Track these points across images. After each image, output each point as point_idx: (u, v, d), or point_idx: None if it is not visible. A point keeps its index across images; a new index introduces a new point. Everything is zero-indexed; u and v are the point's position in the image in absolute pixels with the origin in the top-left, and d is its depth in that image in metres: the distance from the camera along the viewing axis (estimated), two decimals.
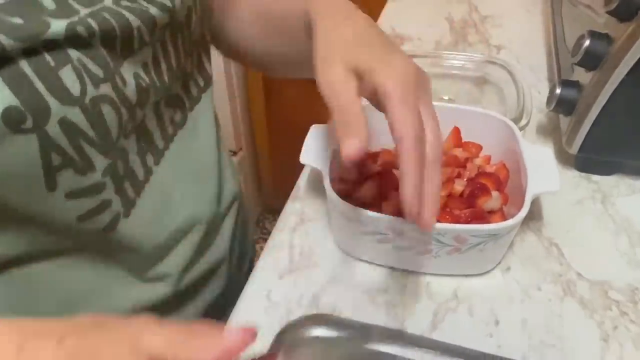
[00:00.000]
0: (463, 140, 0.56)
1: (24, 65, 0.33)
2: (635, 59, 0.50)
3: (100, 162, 0.39)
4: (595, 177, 0.58)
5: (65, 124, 0.35)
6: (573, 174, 0.59)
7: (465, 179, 0.52)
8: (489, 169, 0.54)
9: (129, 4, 0.39)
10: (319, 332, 0.46)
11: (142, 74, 0.41)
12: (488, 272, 0.50)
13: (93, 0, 0.37)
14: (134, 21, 0.39)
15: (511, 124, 0.53)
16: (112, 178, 0.41)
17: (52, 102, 0.34)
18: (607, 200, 0.56)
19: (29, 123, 0.33)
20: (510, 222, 0.45)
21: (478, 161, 0.55)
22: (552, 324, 0.45)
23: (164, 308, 0.50)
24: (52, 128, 0.34)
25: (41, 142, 0.34)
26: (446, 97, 0.69)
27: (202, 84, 0.52)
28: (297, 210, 0.55)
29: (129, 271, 0.46)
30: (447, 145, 0.55)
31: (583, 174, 0.59)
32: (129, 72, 0.40)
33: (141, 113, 0.43)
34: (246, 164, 1.66)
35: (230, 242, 0.57)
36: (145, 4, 0.40)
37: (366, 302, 0.48)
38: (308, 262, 0.51)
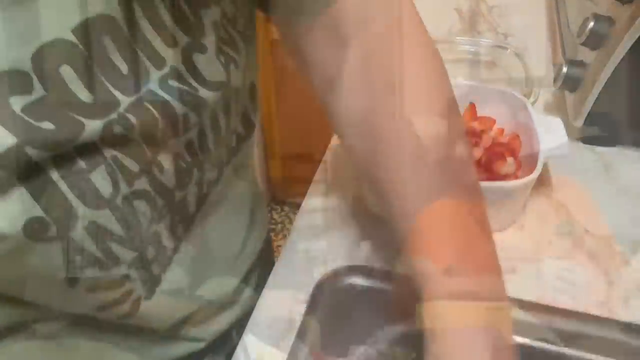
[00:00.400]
0: (478, 115, 0.61)
1: (52, 172, 0.29)
2: (635, 38, 0.56)
3: (126, 255, 0.35)
4: (599, 149, 0.64)
5: (93, 228, 0.32)
6: (578, 146, 0.64)
7: (482, 148, 0.58)
8: (503, 139, 0.59)
9: (176, 84, 0.33)
10: (355, 280, 0.51)
11: (185, 155, 0.37)
12: (504, 230, 0.55)
13: (137, 84, 0.32)
14: (180, 109, 0.34)
15: (522, 97, 0.58)
16: (137, 268, 0.37)
17: (80, 207, 0.31)
18: (609, 167, 0.61)
19: (52, 231, 0.30)
20: (524, 180, 0.50)
21: (492, 133, 0.60)
22: (563, 271, 0.51)
23: (194, 358, 0.50)
24: (78, 233, 0.31)
25: (65, 247, 0.31)
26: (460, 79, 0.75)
27: (243, 132, 0.45)
28: (326, 178, 0.61)
29: (151, 337, 0.45)
30: (464, 119, 0.60)
31: (587, 146, 0.64)
32: (168, 158, 0.35)
33: (181, 194, 0.38)
34: (256, 156, 1.70)
35: (255, 293, 0.55)
36: (195, 84, 0.34)
37: (395, 257, 0.53)
38: (341, 223, 0.56)
